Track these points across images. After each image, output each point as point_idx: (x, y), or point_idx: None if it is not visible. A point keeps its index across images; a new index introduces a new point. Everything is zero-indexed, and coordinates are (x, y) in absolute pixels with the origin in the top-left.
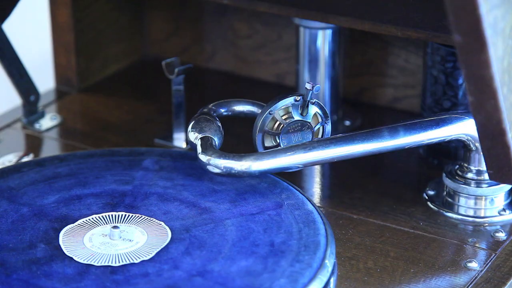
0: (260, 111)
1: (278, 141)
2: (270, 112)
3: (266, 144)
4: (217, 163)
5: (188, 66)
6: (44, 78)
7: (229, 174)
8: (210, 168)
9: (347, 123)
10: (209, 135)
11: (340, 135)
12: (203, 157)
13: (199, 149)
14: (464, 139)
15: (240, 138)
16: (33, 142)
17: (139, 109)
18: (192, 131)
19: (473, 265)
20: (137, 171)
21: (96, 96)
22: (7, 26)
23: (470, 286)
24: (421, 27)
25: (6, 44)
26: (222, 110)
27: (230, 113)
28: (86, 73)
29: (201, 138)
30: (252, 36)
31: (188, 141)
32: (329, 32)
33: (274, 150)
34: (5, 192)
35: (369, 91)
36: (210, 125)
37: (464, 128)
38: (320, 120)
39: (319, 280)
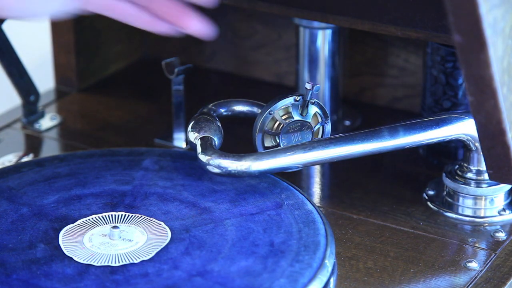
0: (260, 111)
1: (278, 141)
2: (270, 112)
3: (266, 144)
4: (217, 163)
5: (188, 66)
6: (44, 78)
7: (229, 174)
8: (210, 168)
9: (347, 123)
10: (209, 135)
11: (340, 135)
12: (203, 157)
13: (199, 149)
14: (464, 139)
15: (240, 138)
16: (33, 142)
17: (139, 109)
18: (192, 131)
19: (473, 265)
20: (137, 171)
21: (96, 96)
22: (7, 26)
23: (470, 286)
24: (421, 27)
25: (6, 44)
26: (222, 110)
27: (230, 113)
28: (86, 73)
29: (200, 138)
30: (252, 36)
31: (188, 141)
32: (329, 32)
33: (273, 150)
34: (5, 192)
35: (369, 91)
36: (210, 125)
37: (464, 128)
38: (320, 120)
39: (319, 280)
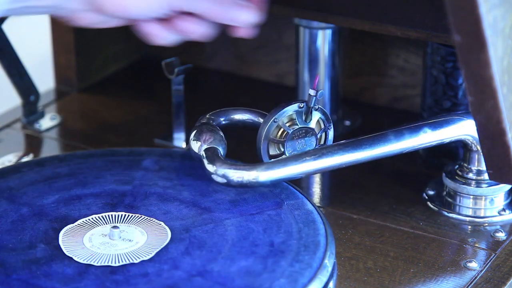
0: (258, 118)
1: (282, 149)
2: (275, 120)
3: (271, 153)
4: (228, 174)
5: (188, 66)
6: (44, 78)
7: (240, 185)
8: (219, 179)
9: (347, 123)
10: (214, 146)
11: (346, 141)
12: (211, 168)
13: (206, 160)
14: (467, 140)
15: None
16: (33, 142)
17: (139, 109)
18: (194, 140)
19: (473, 265)
20: (137, 171)
21: (96, 96)
22: (7, 26)
23: (470, 286)
24: (421, 27)
25: (6, 44)
26: (222, 119)
27: (229, 122)
28: (86, 73)
29: (206, 149)
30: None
31: (191, 153)
32: (329, 32)
33: (284, 159)
34: (5, 192)
35: (369, 91)
36: (214, 135)
37: (468, 129)
38: (322, 126)
39: (319, 280)
